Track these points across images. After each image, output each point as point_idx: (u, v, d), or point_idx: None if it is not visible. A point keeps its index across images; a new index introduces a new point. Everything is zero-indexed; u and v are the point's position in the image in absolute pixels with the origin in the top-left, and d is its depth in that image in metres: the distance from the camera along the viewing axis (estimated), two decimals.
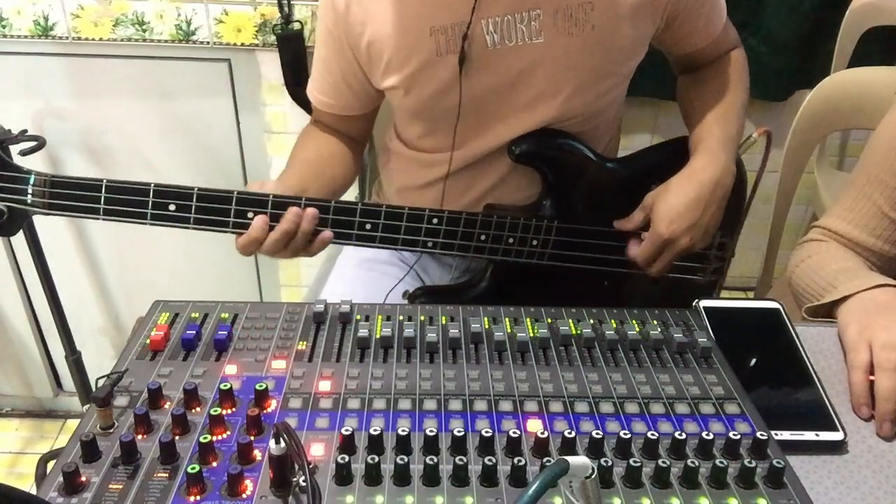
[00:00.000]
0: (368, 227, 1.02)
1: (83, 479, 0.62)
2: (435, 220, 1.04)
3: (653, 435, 0.67)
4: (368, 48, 1.06)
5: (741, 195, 1.22)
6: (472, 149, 1.12)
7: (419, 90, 1.07)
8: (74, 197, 0.95)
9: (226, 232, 0.97)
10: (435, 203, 1.17)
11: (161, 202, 0.95)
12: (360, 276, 1.27)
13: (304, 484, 0.59)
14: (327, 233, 1.00)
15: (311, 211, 0.98)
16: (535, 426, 0.70)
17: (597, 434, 0.67)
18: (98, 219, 0.96)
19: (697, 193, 1.06)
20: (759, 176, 1.26)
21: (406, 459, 0.63)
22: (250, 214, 0.96)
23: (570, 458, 0.53)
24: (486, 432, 0.66)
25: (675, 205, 1.06)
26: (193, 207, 0.96)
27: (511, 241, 1.09)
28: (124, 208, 0.95)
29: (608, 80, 1.11)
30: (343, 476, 0.63)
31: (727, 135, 1.11)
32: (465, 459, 0.63)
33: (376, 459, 0.63)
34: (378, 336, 0.82)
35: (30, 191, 0.94)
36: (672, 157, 1.15)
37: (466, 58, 1.03)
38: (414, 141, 1.18)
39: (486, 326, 0.84)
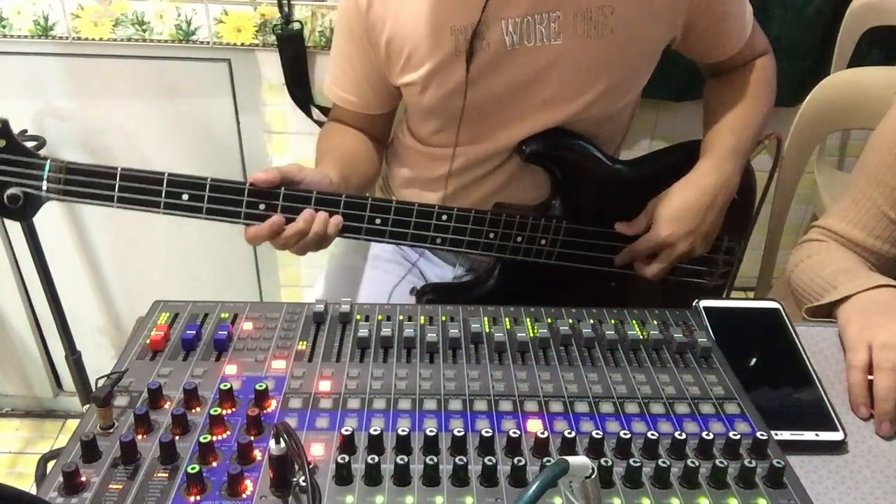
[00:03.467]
0: (378, 221, 1.02)
1: (83, 479, 0.62)
2: (444, 217, 1.05)
3: (653, 435, 0.67)
4: (388, 45, 1.07)
5: (750, 201, 1.22)
6: (482, 146, 1.12)
7: (436, 88, 1.07)
8: (89, 184, 0.96)
9: (237, 223, 0.98)
10: (441, 199, 1.17)
11: (175, 191, 0.96)
12: (364, 274, 1.27)
13: (304, 484, 0.59)
14: (337, 217, 1.00)
15: (322, 215, 0.98)
16: (535, 426, 0.70)
17: (597, 434, 0.67)
18: (112, 206, 0.96)
19: (697, 199, 1.07)
20: (770, 181, 1.26)
21: (406, 459, 0.63)
22: (262, 206, 0.97)
23: (570, 458, 0.53)
24: (486, 432, 0.66)
25: (674, 209, 1.07)
26: (206, 197, 0.96)
27: (519, 239, 1.09)
28: (138, 196, 0.96)
29: (623, 84, 1.11)
30: (343, 476, 0.63)
31: (739, 144, 1.11)
32: (465, 459, 0.63)
33: (376, 459, 0.63)
34: (378, 336, 0.82)
35: (46, 177, 0.95)
36: (683, 160, 1.16)
37: (484, 57, 1.03)
38: (426, 137, 1.18)
39: (486, 326, 0.84)
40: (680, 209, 1.07)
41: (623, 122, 1.22)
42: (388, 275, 1.25)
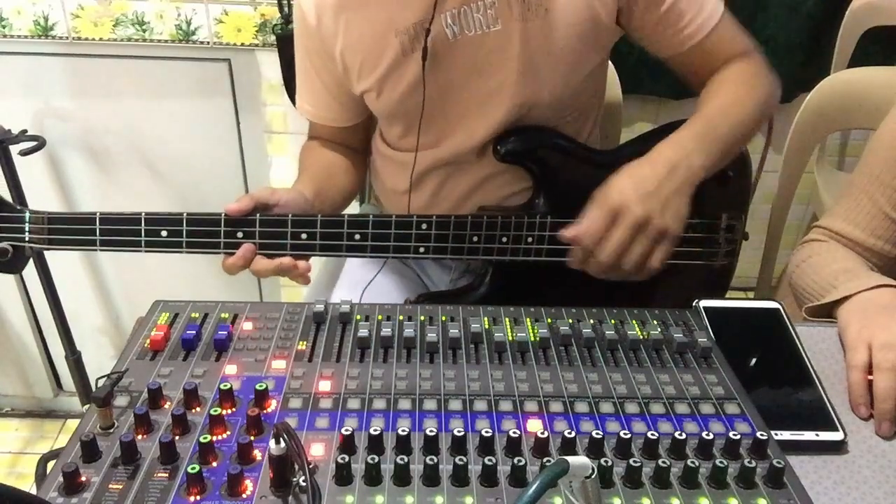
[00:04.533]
0: (357, 237, 1.03)
1: (83, 479, 0.62)
2: (424, 226, 1.04)
3: (653, 435, 0.67)
4: (342, 57, 1.08)
5: (746, 174, 1.20)
6: (449, 145, 1.12)
7: (390, 91, 1.08)
8: (71, 231, 0.98)
9: (218, 253, 0.99)
10: (419, 205, 1.17)
11: (153, 230, 0.98)
12: (356, 276, 1.27)
13: (304, 484, 0.59)
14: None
15: (301, 263, 1.00)
16: (535, 426, 0.70)
17: (597, 434, 0.67)
18: (96, 250, 0.99)
19: (652, 169, 0.97)
20: (764, 155, 1.24)
21: (406, 459, 0.63)
22: (240, 234, 0.98)
23: (570, 458, 0.53)
24: (486, 432, 0.66)
25: (623, 177, 0.97)
26: (184, 232, 0.98)
27: (504, 240, 1.08)
28: (119, 238, 0.98)
29: (570, 62, 1.09)
30: (343, 476, 0.63)
31: (708, 131, 1.04)
32: (465, 459, 0.63)
33: (376, 459, 0.63)
34: (378, 336, 0.82)
35: (27, 228, 0.97)
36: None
37: (430, 53, 1.03)
38: (396, 142, 1.19)
39: (486, 326, 0.84)
40: (629, 177, 0.96)
41: (587, 104, 1.19)
42: (382, 276, 1.24)
